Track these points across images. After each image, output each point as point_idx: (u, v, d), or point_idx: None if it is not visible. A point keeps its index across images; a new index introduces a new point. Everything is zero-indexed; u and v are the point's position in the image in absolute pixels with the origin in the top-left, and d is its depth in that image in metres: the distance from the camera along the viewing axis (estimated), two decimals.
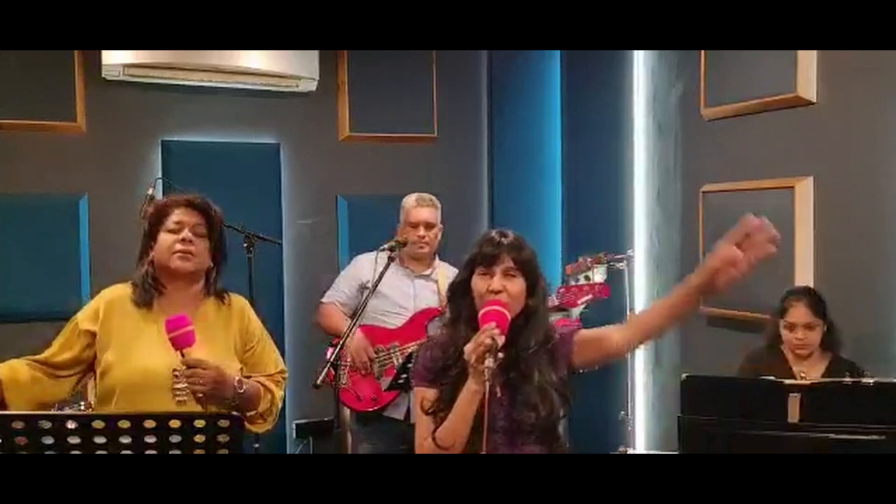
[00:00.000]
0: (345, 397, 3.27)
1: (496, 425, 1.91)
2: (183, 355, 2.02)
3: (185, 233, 2.14)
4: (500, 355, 1.79)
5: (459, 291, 1.99)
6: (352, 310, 3.33)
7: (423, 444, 1.95)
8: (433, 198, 3.40)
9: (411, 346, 3.16)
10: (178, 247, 2.13)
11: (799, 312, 2.80)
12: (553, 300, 3.44)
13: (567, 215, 4.65)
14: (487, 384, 1.75)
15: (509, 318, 1.85)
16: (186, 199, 2.19)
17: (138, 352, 2.09)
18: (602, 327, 2.08)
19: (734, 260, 1.75)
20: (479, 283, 1.92)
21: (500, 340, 1.79)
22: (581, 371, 2.06)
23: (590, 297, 3.47)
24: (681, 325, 3.86)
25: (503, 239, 1.95)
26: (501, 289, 1.89)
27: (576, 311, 3.89)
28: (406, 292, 3.30)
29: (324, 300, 3.43)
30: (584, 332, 2.04)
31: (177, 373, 2.06)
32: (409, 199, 3.37)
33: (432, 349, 2.01)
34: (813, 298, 2.83)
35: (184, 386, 2.06)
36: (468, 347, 1.82)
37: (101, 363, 2.10)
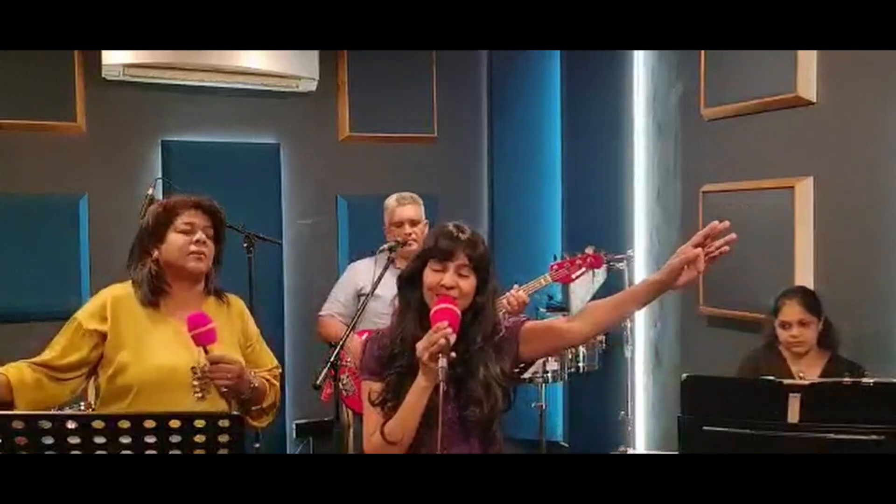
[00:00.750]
0: (351, 403, 3.27)
1: (442, 419, 1.89)
2: (206, 352, 2.05)
3: (199, 234, 2.16)
4: (453, 354, 1.80)
5: (410, 282, 1.98)
6: (350, 318, 3.33)
7: (372, 439, 1.94)
8: (414, 195, 3.40)
9: None
10: (193, 248, 2.15)
11: (792, 310, 2.81)
12: (546, 279, 3.42)
13: (567, 215, 4.66)
14: (442, 382, 1.76)
15: (459, 315, 1.86)
16: (196, 200, 2.21)
17: (154, 351, 2.10)
18: (551, 319, 2.09)
19: (694, 259, 1.86)
20: (431, 276, 1.92)
21: (452, 339, 1.80)
22: (529, 362, 2.09)
23: (582, 269, 3.41)
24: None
25: (460, 234, 1.93)
26: (454, 285, 1.89)
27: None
28: None
29: (321, 313, 3.44)
30: (532, 324, 2.05)
31: (196, 370, 2.09)
32: (390, 200, 3.38)
33: (379, 340, 2.01)
34: (806, 296, 2.84)
35: (205, 382, 2.09)
36: (420, 345, 1.83)
37: (112, 363, 2.10)
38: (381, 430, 1.91)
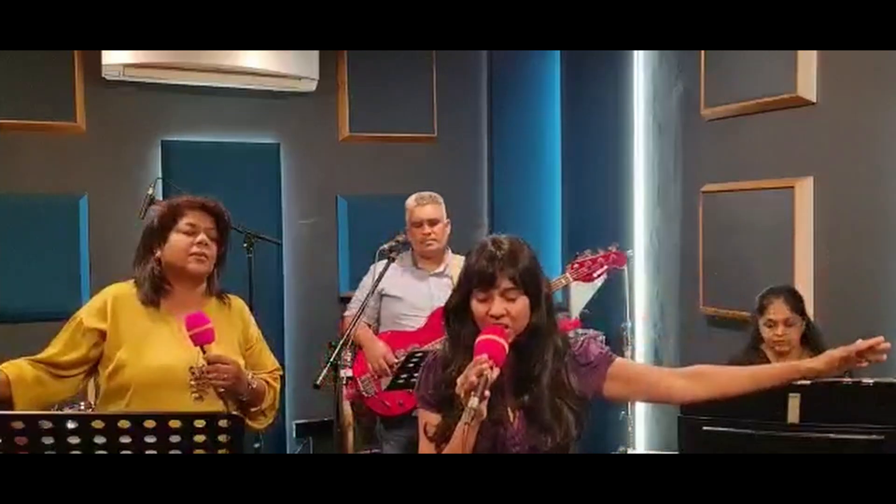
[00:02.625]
0: (372, 405, 3.28)
1: (511, 451, 1.80)
2: (204, 352, 2.04)
3: (201, 236, 2.16)
4: (487, 393, 1.62)
5: (457, 315, 1.84)
6: (372, 318, 3.34)
7: None
8: (434, 194, 3.40)
9: (431, 346, 3.16)
10: (195, 249, 2.15)
11: (778, 309, 2.81)
12: (567, 278, 3.32)
13: (567, 215, 4.66)
14: (466, 426, 1.61)
15: (506, 347, 1.71)
16: (201, 201, 2.21)
17: (153, 350, 2.11)
18: (650, 366, 1.93)
19: (850, 360, 1.76)
20: (478, 307, 1.78)
21: (493, 375, 1.65)
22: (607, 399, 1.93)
23: (605, 268, 3.30)
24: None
25: (498, 251, 1.78)
26: (503, 313, 1.75)
27: (575, 311, 3.89)
28: (422, 293, 3.30)
29: (346, 314, 3.46)
30: (624, 363, 1.90)
31: (193, 370, 2.08)
32: (410, 200, 3.39)
33: (434, 372, 1.88)
34: (792, 295, 2.85)
35: (202, 382, 2.08)
36: (459, 380, 1.68)
37: (111, 361, 2.10)
38: None
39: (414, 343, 3.22)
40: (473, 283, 1.79)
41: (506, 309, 1.75)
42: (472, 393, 1.61)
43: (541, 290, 1.82)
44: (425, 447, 1.84)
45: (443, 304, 3.20)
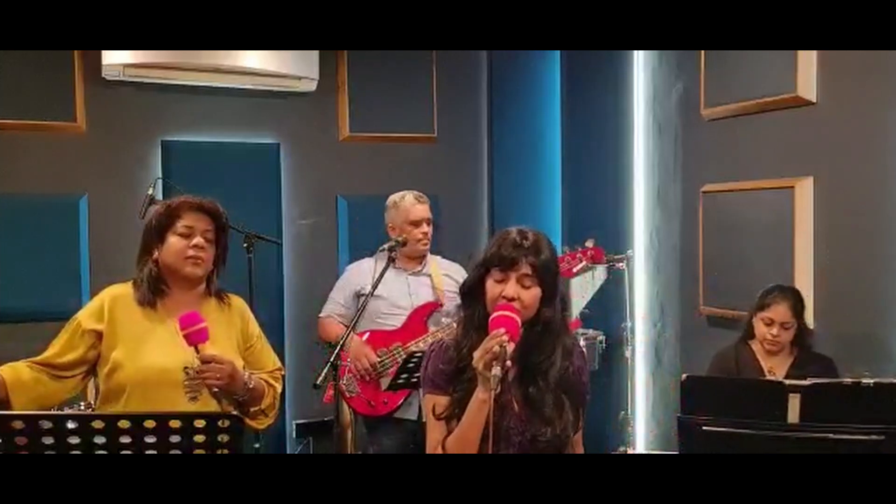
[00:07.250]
0: (356, 405, 3.26)
1: (512, 440, 1.85)
2: (198, 351, 2.05)
3: (198, 239, 2.15)
4: (508, 363, 1.70)
5: (472, 292, 1.89)
6: (349, 319, 3.32)
7: (437, 450, 1.87)
8: (423, 194, 3.40)
9: (414, 344, 3.16)
10: (191, 252, 2.14)
11: (780, 311, 2.81)
12: None
13: (567, 215, 4.66)
14: (493, 393, 1.69)
15: (520, 325, 1.77)
16: (199, 203, 2.20)
17: (149, 350, 2.10)
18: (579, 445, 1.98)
19: None
20: (493, 286, 1.83)
21: (510, 348, 1.71)
22: None
23: (583, 263, 3.39)
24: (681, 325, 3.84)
25: (524, 241, 1.83)
26: (515, 296, 1.80)
27: (576, 311, 3.89)
28: (402, 291, 3.29)
29: (321, 315, 3.43)
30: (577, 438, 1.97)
31: (189, 370, 2.08)
32: (407, 198, 3.36)
33: (443, 353, 1.92)
34: (796, 299, 2.85)
35: (197, 382, 2.08)
36: (476, 353, 1.74)
37: (107, 362, 2.10)
38: (442, 446, 1.85)
39: (396, 342, 3.20)
40: (493, 263, 1.84)
41: (518, 293, 1.81)
42: (494, 363, 1.68)
43: (556, 286, 1.87)
44: (434, 428, 1.88)
45: (423, 302, 3.23)
